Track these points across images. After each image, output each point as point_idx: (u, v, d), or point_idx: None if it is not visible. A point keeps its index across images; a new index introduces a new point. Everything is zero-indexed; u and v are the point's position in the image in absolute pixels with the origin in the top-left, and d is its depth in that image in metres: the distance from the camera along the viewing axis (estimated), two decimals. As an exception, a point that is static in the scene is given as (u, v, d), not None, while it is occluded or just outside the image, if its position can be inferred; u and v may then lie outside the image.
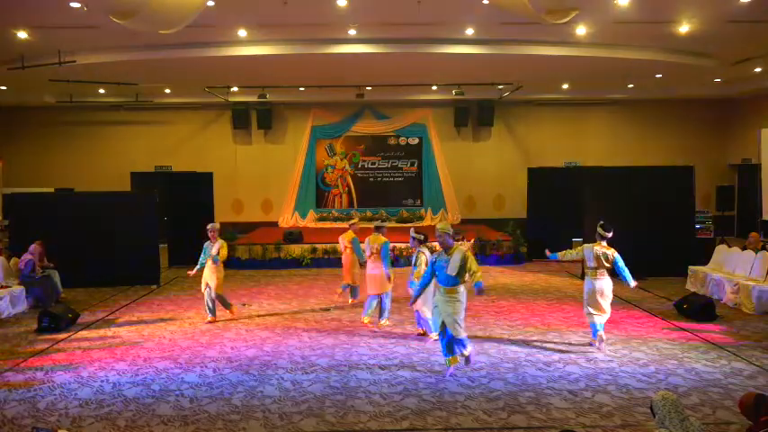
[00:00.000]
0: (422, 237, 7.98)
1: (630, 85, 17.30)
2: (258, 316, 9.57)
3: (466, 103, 18.86)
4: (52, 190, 15.58)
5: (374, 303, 8.83)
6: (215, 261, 9.12)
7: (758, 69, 14.52)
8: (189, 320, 9.33)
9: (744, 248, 10.84)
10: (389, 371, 6.77)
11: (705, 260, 11.57)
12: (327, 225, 19.19)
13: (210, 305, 9.24)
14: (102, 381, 6.55)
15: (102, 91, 16.68)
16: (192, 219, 14.44)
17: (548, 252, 7.89)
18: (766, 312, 9.19)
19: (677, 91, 17.91)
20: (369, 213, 19.31)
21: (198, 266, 9.29)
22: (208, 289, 9.18)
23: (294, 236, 15.09)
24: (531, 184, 15.23)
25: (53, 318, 8.71)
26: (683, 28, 10.87)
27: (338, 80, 15.45)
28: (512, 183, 18.68)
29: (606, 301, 7.54)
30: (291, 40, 12.24)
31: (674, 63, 13.54)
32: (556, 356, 7.26)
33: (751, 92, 17.28)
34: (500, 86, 16.80)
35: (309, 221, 19.45)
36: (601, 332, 7.53)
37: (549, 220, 14.58)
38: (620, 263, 7.52)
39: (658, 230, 12.29)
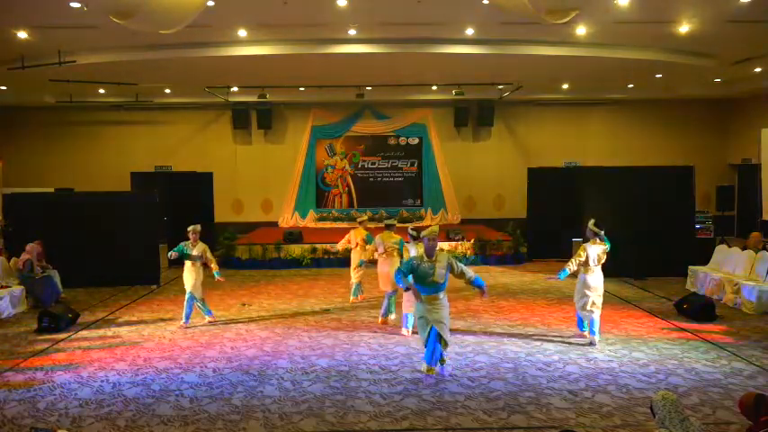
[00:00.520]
0: (415, 233, 8.05)
1: (630, 85, 17.29)
2: (258, 316, 9.57)
3: (466, 103, 18.86)
4: (52, 190, 15.57)
5: (392, 301, 9.01)
6: (215, 274, 9.00)
7: (758, 69, 14.51)
8: (190, 321, 9.31)
9: (744, 248, 10.84)
10: (389, 371, 6.77)
11: (705, 260, 11.57)
12: (327, 225, 19.21)
13: (188, 310, 8.95)
14: (102, 381, 6.55)
15: (102, 91, 16.66)
16: (192, 219, 14.47)
17: (552, 278, 7.99)
18: (766, 312, 9.19)
19: (677, 91, 17.90)
20: (369, 213, 19.30)
21: (175, 250, 8.90)
22: (187, 292, 8.92)
23: (294, 236, 15.09)
24: (531, 184, 15.22)
25: (53, 318, 8.71)
26: (683, 28, 10.87)
27: (338, 80, 15.45)
28: (512, 183, 18.67)
29: (601, 295, 7.87)
30: (291, 40, 12.23)
31: (674, 63, 13.53)
32: (556, 356, 7.27)
33: (751, 92, 17.28)
34: (500, 86, 16.79)
35: (309, 221, 19.46)
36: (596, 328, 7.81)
37: (549, 220, 14.58)
38: None
39: (658, 230, 12.29)
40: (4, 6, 9.63)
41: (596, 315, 7.76)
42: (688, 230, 12.72)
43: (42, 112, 18.70)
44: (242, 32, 11.46)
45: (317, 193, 19.85)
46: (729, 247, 11.52)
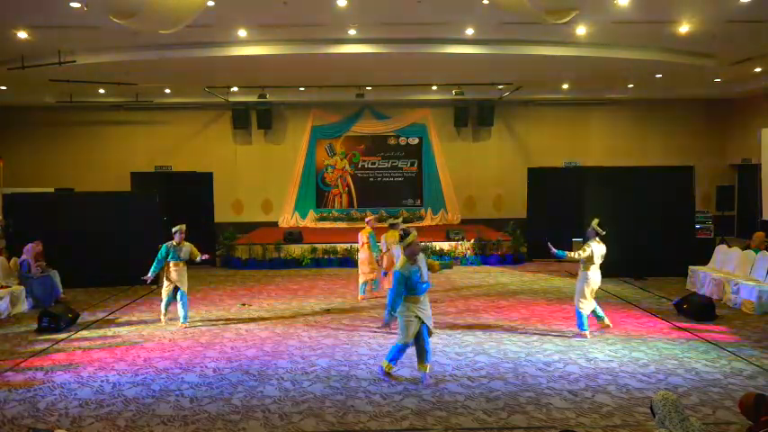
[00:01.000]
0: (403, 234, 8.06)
1: (630, 85, 17.30)
2: (258, 316, 9.57)
3: (466, 103, 18.86)
4: (52, 190, 15.56)
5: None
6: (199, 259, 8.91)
7: (758, 69, 14.52)
8: (189, 320, 9.31)
9: (747, 247, 10.84)
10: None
11: (705, 260, 11.57)
12: (327, 225, 19.22)
13: (182, 312, 8.87)
14: (102, 381, 6.55)
15: (102, 91, 16.67)
16: (192, 219, 14.46)
17: (552, 248, 8.01)
18: (766, 312, 9.19)
19: (677, 91, 17.91)
20: (369, 213, 19.29)
21: (153, 271, 8.74)
22: (179, 291, 8.81)
23: (294, 236, 15.09)
24: (531, 184, 15.23)
25: (53, 318, 8.70)
26: (683, 28, 10.87)
27: (338, 80, 15.45)
28: (512, 183, 18.66)
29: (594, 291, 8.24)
30: (291, 40, 12.24)
31: (674, 63, 13.54)
32: (556, 356, 7.26)
33: (751, 92, 17.28)
34: (500, 86, 16.80)
35: (309, 221, 19.46)
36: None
37: (549, 220, 14.56)
38: None
39: (658, 230, 12.30)
40: (4, 6, 9.64)
41: (594, 303, 8.15)
42: (688, 230, 12.72)
43: (42, 112, 18.69)
44: (242, 32, 11.47)
45: (316, 193, 19.86)
46: (729, 247, 11.52)
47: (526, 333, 8.36)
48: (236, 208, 19.57)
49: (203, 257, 9.02)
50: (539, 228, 14.76)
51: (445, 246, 14.67)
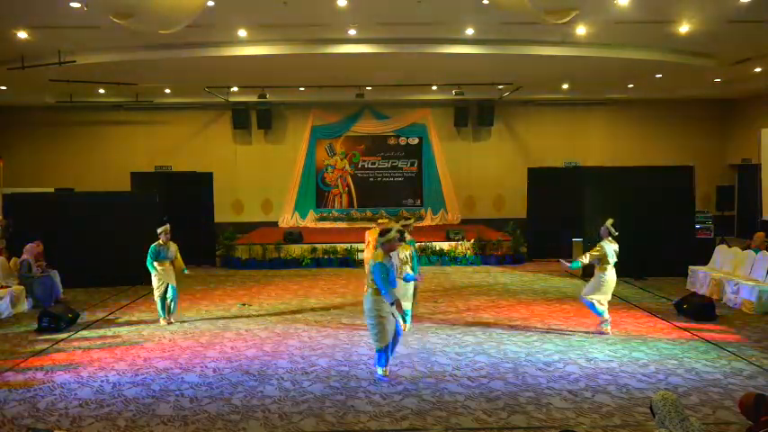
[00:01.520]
0: (398, 235, 8.11)
1: (630, 85, 17.29)
2: (258, 316, 9.57)
3: (466, 103, 18.86)
4: (52, 190, 15.56)
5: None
6: (183, 269, 9.20)
7: (758, 69, 14.51)
8: (189, 320, 9.33)
9: (747, 247, 10.84)
10: (389, 371, 6.76)
11: (705, 260, 11.57)
12: (327, 225, 19.22)
13: (171, 306, 9.07)
14: (102, 381, 6.55)
15: (102, 91, 16.67)
16: (192, 219, 14.47)
17: (565, 264, 8.08)
18: (766, 312, 9.19)
19: (677, 91, 17.90)
20: (369, 213, 19.33)
21: (154, 270, 8.95)
22: (171, 288, 8.99)
23: (294, 236, 15.08)
24: (531, 184, 15.23)
25: (53, 318, 8.70)
26: (683, 28, 10.87)
27: (338, 80, 15.45)
28: (512, 183, 18.67)
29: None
30: (291, 40, 12.24)
31: (674, 63, 13.54)
32: (556, 356, 7.26)
33: (751, 92, 17.28)
34: (500, 86, 16.80)
35: (309, 221, 19.46)
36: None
37: (549, 220, 14.59)
38: None
39: (658, 230, 12.29)
40: (4, 6, 9.63)
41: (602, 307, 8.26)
42: (688, 230, 12.72)
43: (42, 112, 18.70)
44: (242, 32, 11.47)
45: (316, 193, 19.87)
46: (729, 247, 11.52)
47: (526, 333, 8.36)
48: (236, 208, 19.58)
49: (185, 271, 9.30)
50: (539, 228, 14.81)
51: (445, 246, 14.67)
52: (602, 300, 8.19)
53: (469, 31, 11.65)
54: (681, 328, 8.55)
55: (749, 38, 11.74)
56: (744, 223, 18.39)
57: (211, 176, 15.07)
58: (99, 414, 5.68)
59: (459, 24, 11.28)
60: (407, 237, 9.07)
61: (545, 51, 12.59)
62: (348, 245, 14.43)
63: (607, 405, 5.77)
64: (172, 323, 9.04)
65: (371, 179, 19.93)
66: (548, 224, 14.64)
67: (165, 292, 9.00)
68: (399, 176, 19.94)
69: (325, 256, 14.43)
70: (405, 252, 8.17)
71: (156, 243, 8.96)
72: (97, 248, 11.90)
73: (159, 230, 8.99)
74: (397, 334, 6.60)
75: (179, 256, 9.21)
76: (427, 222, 19.31)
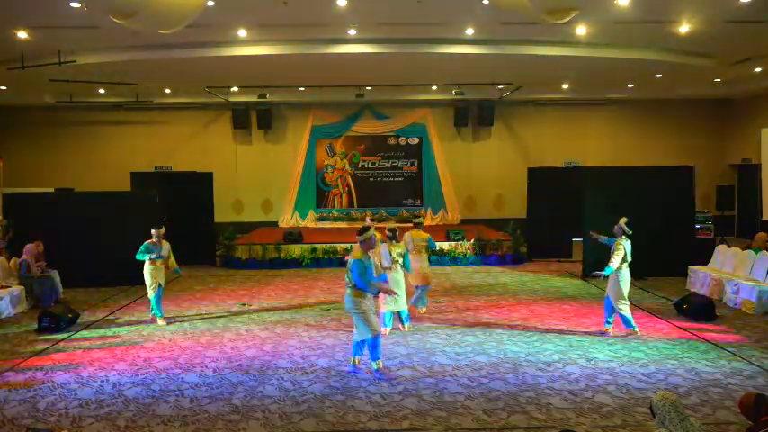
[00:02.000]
0: (391, 234, 8.34)
1: (630, 85, 17.30)
2: (258, 316, 9.57)
3: (466, 103, 18.86)
4: (52, 190, 15.56)
5: (423, 294, 9.38)
6: (176, 269, 9.49)
7: (758, 69, 14.52)
8: (189, 320, 9.33)
9: (748, 247, 10.83)
10: (389, 371, 6.76)
11: (705, 260, 11.57)
12: (327, 225, 19.21)
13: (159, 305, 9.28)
14: (102, 381, 6.55)
15: (102, 91, 16.67)
16: (192, 219, 14.48)
17: (599, 273, 8.14)
18: (766, 312, 9.19)
19: (677, 91, 17.91)
20: (369, 213, 19.32)
21: (145, 258, 9.15)
22: (160, 288, 9.20)
23: (294, 236, 15.08)
24: (531, 184, 15.23)
25: (53, 318, 8.70)
26: (683, 28, 10.87)
27: (338, 80, 15.45)
28: (512, 183, 18.67)
29: None
30: (291, 40, 12.24)
31: (674, 63, 13.54)
32: (556, 356, 7.26)
33: (751, 92, 17.28)
34: (500, 86, 16.80)
35: (309, 221, 19.46)
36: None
37: (549, 220, 14.59)
38: None
39: (658, 230, 12.28)
40: (4, 6, 9.64)
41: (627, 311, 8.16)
42: (688, 230, 12.71)
43: (42, 112, 18.70)
44: (242, 32, 11.47)
45: (316, 193, 19.86)
46: (729, 247, 11.52)
47: (526, 333, 8.36)
48: (236, 208, 19.57)
49: (179, 271, 9.61)
50: (539, 228, 14.81)
51: (445, 246, 14.66)
52: (624, 303, 8.06)
53: (469, 31, 11.65)
54: (681, 328, 8.55)
55: (749, 38, 11.74)
56: (744, 223, 18.39)
57: (211, 176, 15.07)
58: (99, 414, 5.68)
59: (459, 24, 11.28)
60: (423, 233, 9.21)
61: (545, 51, 12.59)
62: (348, 245, 14.42)
63: (607, 405, 5.77)
64: (162, 321, 9.16)
65: (371, 179, 19.92)
66: (548, 224, 14.64)
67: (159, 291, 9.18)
68: (399, 176, 19.94)
69: (325, 256, 14.42)
70: (396, 250, 8.23)
71: (148, 241, 9.16)
72: (97, 248, 11.89)
73: (153, 232, 9.20)
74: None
75: (172, 255, 9.37)
76: (427, 222, 19.26)
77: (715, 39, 11.79)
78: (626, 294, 8.08)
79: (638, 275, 12.17)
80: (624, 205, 12.13)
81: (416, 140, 19.83)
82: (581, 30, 11.15)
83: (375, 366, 6.66)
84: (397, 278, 8.19)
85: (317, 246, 14.61)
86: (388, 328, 8.33)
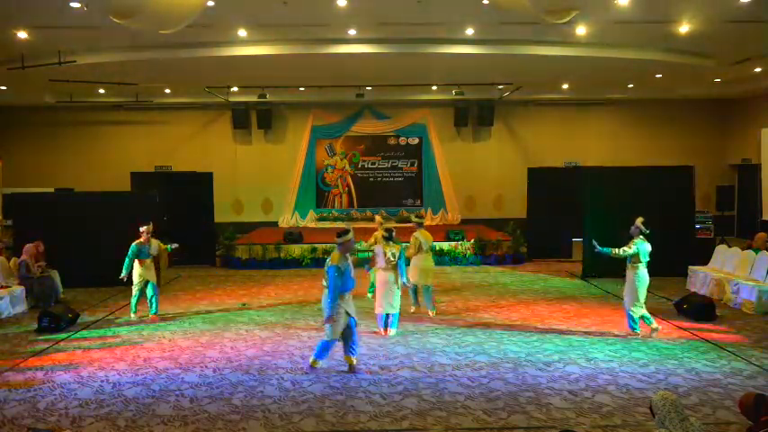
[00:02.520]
0: (386, 234, 8.36)
1: (630, 85, 17.30)
2: (258, 316, 9.57)
3: (466, 104, 18.85)
4: (52, 190, 15.56)
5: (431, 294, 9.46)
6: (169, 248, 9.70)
7: (758, 69, 14.52)
8: (189, 320, 9.33)
9: (748, 247, 10.83)
10: (389, 371, 6.77)
11: (705, 260, 11.57)
12: (327, 225, 19.19)
13: (153, 303, 9.43)
14: (102, 381, 6.55)
15: (102, 91, 16.67)
16: (192, 219, 14.48)
17: (596, 244, 8.11)
18: (766, 312, 9.19)
19: (677, 91, 17.91)
20: (369, 213, 19.33)
21: (126, 269, 9.27)
22: (151, 286, 9.36)
23: (294, 236, 15.08)
24: (531, 184, 15.23)
25: (53, 318, 8.70)
26: (683, 28, 10.87)
27: (338, 80, 15.45)
28: (512, 183, 18.66)
29: None
30: (291, 40, 12.24)
31: (674, 63, 13.54)
32: (556, 356, 7.26)
33: (751, 92, 17.28)
34: (500, 86, 16.80)
35: (309, 221, 19.46)
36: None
37: (549, 220, 14.59)
38: None
39: (658, 230, 12.25)
40: (4, 6, 9.64)
41: (645, 308, 8.08)
42: (688, 230, 12.71)
43: (42, 112, 18.70)
44: (242, 32, 11.47)
45: (316, 193, 19.86)
46: (729, 247, 11.52)
47: (526, 333, 8.35)
48: (236, 208, 19.57)
49: (173, 246, 9.79)
50: (539, 228, 14.81)
51: (445, 246, 14.66)
52: (639, 304, 7.96)
53: (469, 31, 11.65)
54: (681, 328, 8.55)
55: (749, 38, 11.74)
56: (744, 223, 18.39)
57: (211, 176, 15.07)
58: (99, 414, 5.68)
59: (459, 24, 11.28)
60: (427, 234, 9.28)
61: (545, 51, 12.59)
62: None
63: (607, 405, 5.77)
64: (158, 316, 9.39)
65: (371, 179, 19.92)
66: (548, 224, 14.64)
67: (144, 288, 9.33)
68: (399, 176, 19.94)
69: (325, 257, 14.13)
70: (391, 251, 8.21)
71: (137, 242, 9.26)
72: (97, 248, 11.88)
73: (142, 229, 9.31)
74: (351, 332, 6.81)
75: (161, 244, 9.56)
76: (427, 222, 19.26)
77: (715, 39, 11.79)
78: (642, 296, 7.97)
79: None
80: (624, 205, 12.15)
81: (416, 140, 19.83)
82: (581, 30, 11.15)
83: (311, 362, 6.85)
84: (390, 279, 8.15)
85: (316, 246, 14.60)
86: (384, 329, 8.31)
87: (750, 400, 4.11)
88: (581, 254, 12.94)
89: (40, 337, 8.37)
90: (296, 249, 14.59)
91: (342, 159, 19.90)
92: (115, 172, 18.29)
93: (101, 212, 12.20)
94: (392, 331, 8.31)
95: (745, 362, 7.00)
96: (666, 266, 12.16)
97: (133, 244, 9.25)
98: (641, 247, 7.97)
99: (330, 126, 19.75)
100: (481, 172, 19.70)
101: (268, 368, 6.93)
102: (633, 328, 8.10)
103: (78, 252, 11.73)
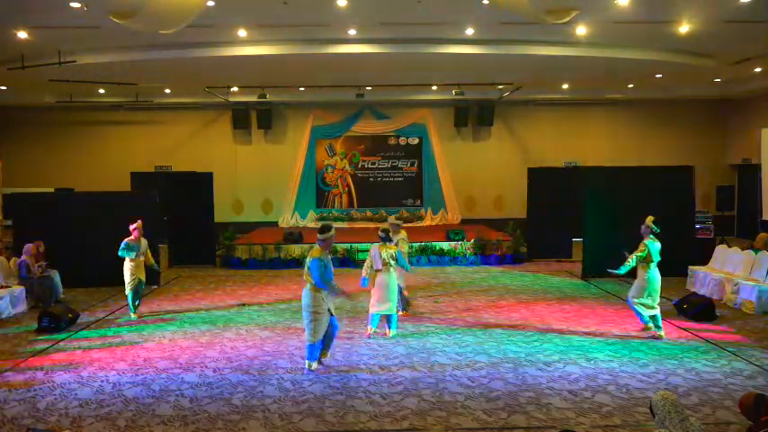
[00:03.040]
0: (384, 234, 8.34)
1: (630, 85, 17.32)
2: (258, 316, 9.56)
3: (466, 103, 18.86)
4: (52, 190, 15.56)
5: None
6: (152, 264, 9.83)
7: (758, 69, 14.53)
8: (189, 320, 9.33)
9: (749, 247, 10.83)
10: (389, 371, 6.77)
11: (705, 260, 11.57)
12: (327, 225, 19.17)
13: (137, 301, 9.54)
14: (102, 381, 6.55)
15: (102, 91, 16.68)
16: (192, 219, 14.48)
17: (614, 272, 8.12)
18: (766, 312, 9.19)
19: (677, 91, 17.92)
20: (369, 213, 19.33)
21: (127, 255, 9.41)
22: (140, 284, 9.48)
23: (294, 236, 15.08)
24: (531, 184, 15.23)
25: (53, 318, 8.70)
26: (683, 28, 10.88)
27: (338, 80, 15.46)
28: (512, 183, 18.67)
29: None
30: (291, 40, 12.25)
31: (674, 63, 13.55)
32: (556, 356, 7.26)
33: (751, 92, 17.29)
34: (500, 86, 16.80)
35: (309, 221, 19.45)
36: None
37: (549, 220, 14.59)
38: None
39: (658, 230, 12.26)
40: (4, 6, 9.64)
41: (658, 310, 8.04)
42: (688, 230, 12.71)
43: (42, 112, 18.69)
44: (242, 32, 11.47)
45: (316, 193, 19.86)
46: (729, 247, 11.52)
47: (526, 333, 8.35)
48: (236, 208, 19.57)
49: (155, 267, 10.04)
50: (539, 228, 14.80)
51: (445, 246, 14.67)
52: (648, 303, 7.97)
53: (469, 31, 11.65)
54: (681, 328, 8.55)
55: (749, 38, 11.75)
56: (744, 223, 18.38)
57: (211, 176, 15.06)
58: (99, 414, 5.68)
59: (459, 24, 11.28)
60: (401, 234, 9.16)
61: (545, 51, 12.60)
62: (348, 245, 14.44)
63: (607, 405, 5.77)
64: (135, 316, 9.46)
65: (371, 179, 19.92)
66: (548, 224, 14.64)
67: (138, 286, 9.42)
68: (399, 176, 19.94)
69: (325, 257, 14.38)
70: (388, 251, 8.16)
71: (127, 239, 9.40)
72: (97, 248, 11.85)
73: (132, 227, 9.42)
74: (333, 329, 6.91)
75: (148, 252, 9.68)
76: (427, 222, 19.31)
77: (715, 39, 11.80)
78: (655, 297, 7.96)
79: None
80: (624, 205, 12.19)
81: (416, 140, 19.83)
82: (581, 30, 11.16)
83: (307, 366, 6.83)
84: (387, 281, 8.09)
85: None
86: (374, 329, 8.22)
87: (750, 400, 4.11)
88: (581, 254, 12.93)
89: (40, 337, 8.37)
90: (296, 249, 14.59)
91: (342, 159, 19.90)
92: (115, 172, 18.30)
93: (101, 212, 12.18)
94: (392, 332, 8.27)
95: (746, 362, 7.00)
96: (666, 266, 12.13)
97: (125, 240, 9.39)
98: (652, 247, 7.97)
99: (330, 126, 19.75)
100: (481, 172, 19.70)
101: (268, 368, 6.93)
102: (645, 322, 8.09)
103: (78, 252, 11.73)
